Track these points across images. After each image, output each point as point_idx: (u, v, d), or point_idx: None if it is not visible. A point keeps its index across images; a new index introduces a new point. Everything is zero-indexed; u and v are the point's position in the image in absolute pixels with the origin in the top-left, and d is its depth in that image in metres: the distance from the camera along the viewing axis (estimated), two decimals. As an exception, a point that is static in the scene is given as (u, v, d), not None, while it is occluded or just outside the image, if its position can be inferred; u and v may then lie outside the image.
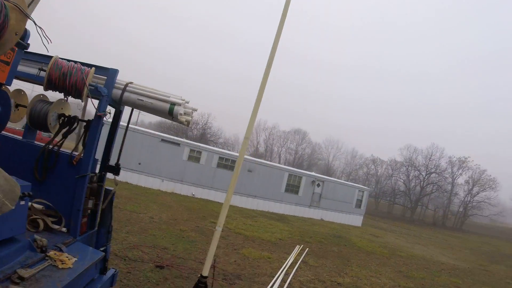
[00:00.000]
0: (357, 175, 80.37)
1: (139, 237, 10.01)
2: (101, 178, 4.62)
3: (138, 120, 60.74)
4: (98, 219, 4.69)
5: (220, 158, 24.26)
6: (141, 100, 4.40)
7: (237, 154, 24.20)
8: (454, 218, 69.78)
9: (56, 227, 3.86)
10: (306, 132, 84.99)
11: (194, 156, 23.45)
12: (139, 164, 21.51)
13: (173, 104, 4.37)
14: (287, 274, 9.87)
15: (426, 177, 69.19)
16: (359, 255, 15.67)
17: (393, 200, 72.31)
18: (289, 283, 9.10)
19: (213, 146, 48.18)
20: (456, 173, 69.56)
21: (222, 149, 43.89)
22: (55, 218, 3.90)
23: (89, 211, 4.39)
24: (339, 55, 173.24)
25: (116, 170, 4.89)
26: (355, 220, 31.88)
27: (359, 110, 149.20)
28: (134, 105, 4.56)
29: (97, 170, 4.53)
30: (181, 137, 37.51)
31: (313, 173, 30.62)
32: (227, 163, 24.37)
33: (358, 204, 32.16)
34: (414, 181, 70.71)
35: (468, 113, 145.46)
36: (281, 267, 10.28)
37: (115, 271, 4.81)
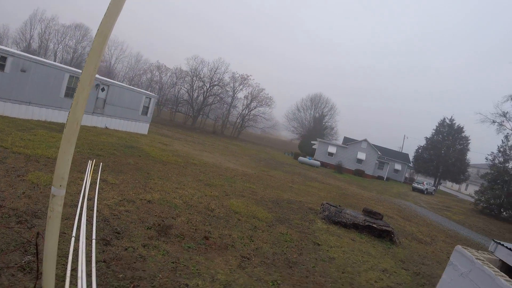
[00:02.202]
0: (140, 80, 77.95)
1: None
2: None
3: None
4: None
5: None
6: None
7: (7, 49, 19.53)
8: (232, 128, 76.98)
9: None
10: (89, 29, 76.47)
11: None
12: None
13: None
14: (90, 199, 8.51)
15: (209, 88, 72.30)
16: (157, 166, 15.19)
17: (175, 108, 73.61)
18: (97, 210, 7.85)
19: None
20: (238, 88, 75.50)
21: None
22: None
23: None
24: None
25: None
26: (142, 128, 30.97)
27: (147, 12, 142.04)
28: None
29: None
30: None
31: (97, 76, 27.49)
32: None
33: (145, 111, 31.07)
34: (197, 91, 73.18)
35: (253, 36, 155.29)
36: (80, 191, 8.78)
37: None
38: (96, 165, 12.22)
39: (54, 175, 2.38)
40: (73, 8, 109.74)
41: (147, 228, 7.60)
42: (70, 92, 23.42)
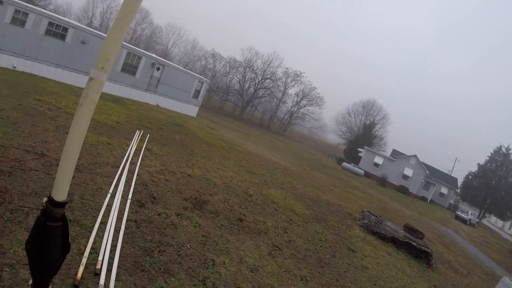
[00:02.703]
0: (194, 66, 79.15)
1: None
2: None
3: None
4: None
5: (50, 24, 19.36)
6: None
7: (71, 21, 20.34)
8: (279, 123, 76.63)
9: None
10: (149, 12, 78.22)
11: (19, 19, 18.30)
12: None
13: None
14: (132, 163, 8.64)
15: (261, 81, 72.43)
16: (201, 146, 15.25)
17: (225, 96, 74.23)
18: (137, 174, 7.93)
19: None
20: (289, 84, 75.06)
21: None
22: None
23: None
24: None
25: None
26: (192, 110, 31.35)
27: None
28: None
29: None
30: None
31: (154, 55, 28.04)
32: (57, 31, 19.77)
33: (196, 94, 31.39)
34: (249, 82, 73.48)
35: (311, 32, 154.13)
36: (124, 155, 8.97)
37: None
38: (143, 136, 12.41)
39: (98, 56, 2.05)
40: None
41: (184, 199, 7.57)
42: (126, 68, 24.07)
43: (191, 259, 5.12)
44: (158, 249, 5.02)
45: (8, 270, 3.48)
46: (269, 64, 72.30)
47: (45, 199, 1.36)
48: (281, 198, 11.32)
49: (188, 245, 5.49)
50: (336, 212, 12.92)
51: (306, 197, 13.32)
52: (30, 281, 1.29)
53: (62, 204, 1.34)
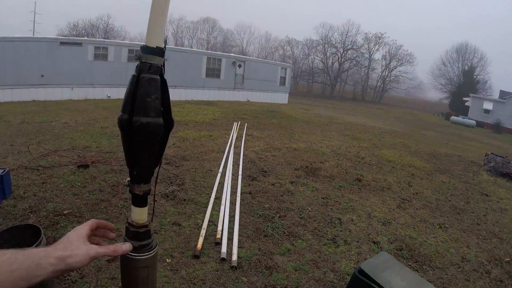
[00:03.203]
0: (274, 58, 79.16)
1: (53, 143, 7.84)
2: None
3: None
4: None
5: (130, 51, 20.97)
6: None
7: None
8: (373, 92, 72.38)
9: None
10: (216, 20, 79.86)
11: (101, 54, 19.96)
12: (42, 76, 18.06)
13: None
14: (236, 147, 8.68)
15: (343, 53, 69.28)
16: (300, 125, 15.02)
17: (312, 79, 72.89)
18: (244, 155, 7.90)
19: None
20: (373, 48, 70.13)
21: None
22: None
23: None
24: None
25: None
26: (281, 98, 31.15)
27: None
28: None
29: None
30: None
31: (232, 54, 28.47)
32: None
33: (282, 81, 31.15)
34: (331, 58, 70.59)
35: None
36: (226, 143, 9.06)
37: (3, 171, 3.02)
38: (241, 126, 12.50)
39: None
40: (195, 2, 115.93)
41: (295, 169, 7.42)
42: (209, 72, 24.71)
43: (315, 220, 4.95)
44: (278, 215, 4.95)
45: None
46: (346, 34, 69.14)
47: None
48: (395, 156, 10.63)
49: (309, 208, 5.35)
50: (457, 162, 11.80)
51: (422, 153, 12.36)
52: (127, 179, 1.03)
53: (159, 51, 1.03)
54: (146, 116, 0.96)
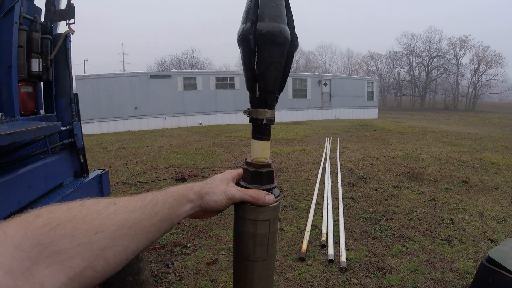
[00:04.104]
0: (358, 74, 77.60)
1: (150, 163, 8.36)
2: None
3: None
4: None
5: (217, 79, 22.06)
6: None
7: (233, 71, 22.27)
8: (465, 99, 66.85)
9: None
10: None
11: (190, 84, 21.27)
12: (136, 108, 19.56)
13: None
14: (332, 158, 8.52)
15: (429, 62, 65.75)
16: (394, 135, 14.49)
17: (399, 92, 69.92)
18: (340, 164, 7.72)
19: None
20: (459, 53, 65.51)
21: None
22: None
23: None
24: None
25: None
26: (371, 113, 30.21)
27: (346, 8, 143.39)
28: None
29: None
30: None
31: (316, 73, 28.44)
32: (225, 83, 22.23)
33: (370, 96, 30.29)
34: (418, 68, 67.36)
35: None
36: (321, 155, 8.94)
37: (103, 170, 3.17)
38: (334, 140, 12.34)
39: None
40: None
41: (396, 175, 7.15)
42: (296, 93, 24.88)
43: (425, 221, 4.70)
44: (385, 218, 4.81)
45: (224, 253, 3.71)
46: (430, 41, 65.61)
47: None
48: (499, 158, 9.76)
49: (417, 210, 5.12)
50: None
51: (530, 155, 11.29)
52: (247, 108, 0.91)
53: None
54: (272, 21, 0.85)
